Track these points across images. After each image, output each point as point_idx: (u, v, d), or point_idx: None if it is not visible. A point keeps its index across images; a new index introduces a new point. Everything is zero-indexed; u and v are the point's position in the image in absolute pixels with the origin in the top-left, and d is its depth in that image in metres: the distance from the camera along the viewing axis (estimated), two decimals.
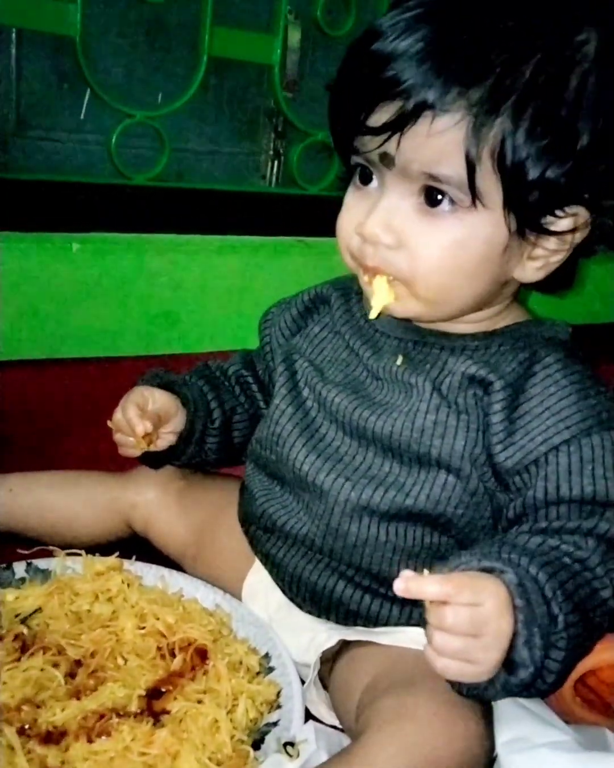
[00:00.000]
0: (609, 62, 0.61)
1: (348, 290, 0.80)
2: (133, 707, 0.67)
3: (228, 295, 1.14)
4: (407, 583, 0.53)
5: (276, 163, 1.24)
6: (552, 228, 0.63)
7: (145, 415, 0.77)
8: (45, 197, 1.05)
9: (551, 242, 0.65)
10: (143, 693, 0.68)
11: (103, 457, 0.90)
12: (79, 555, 0.80)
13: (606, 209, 0.65)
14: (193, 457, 0.85)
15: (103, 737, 0.64)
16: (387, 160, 0.62)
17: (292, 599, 0.76)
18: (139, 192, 1.11)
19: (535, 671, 0.56)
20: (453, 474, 0.68)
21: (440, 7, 0.60)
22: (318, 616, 0.74)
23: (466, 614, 0.53)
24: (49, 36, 1.04)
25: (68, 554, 0.80)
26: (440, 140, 0.59)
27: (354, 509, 0.70)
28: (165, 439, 0.81)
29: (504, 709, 0.66)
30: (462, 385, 0.68)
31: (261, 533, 0.78)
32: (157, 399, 0.80)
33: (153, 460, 0.85)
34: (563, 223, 0.63)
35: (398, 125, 0.60)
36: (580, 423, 0.65)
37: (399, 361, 0.71)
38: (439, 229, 0.63)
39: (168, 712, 0.67)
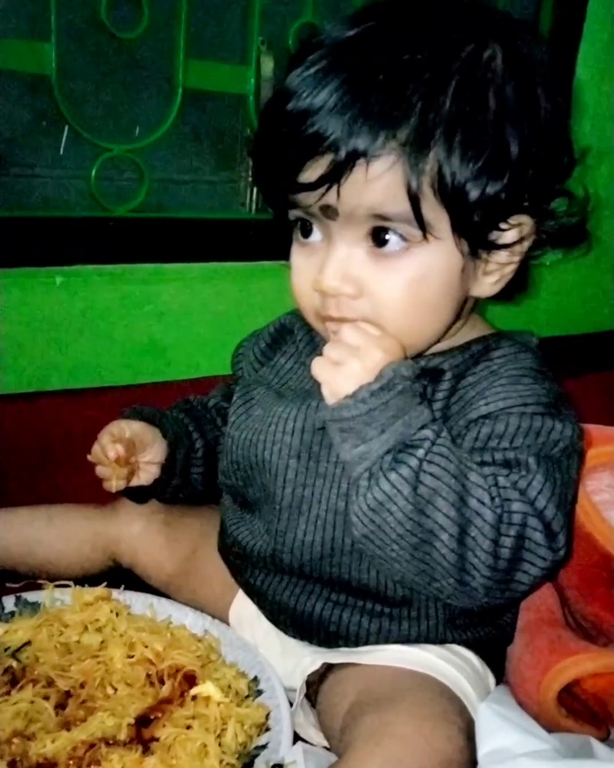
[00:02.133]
0: (518, 69, 0.62)
1: None
2: (123, 736, 0.68)
3: (212, 322, 1.16)
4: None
5: (254, 189, 1.26)
6: (501, 241, 0.64)
7: (119, 442, 0.78)
8: (27, 233, 1.06)
9: (502, 255, 0.66)
10: (132, 721, 0.69)
11: (91, 490, 0.91)
12: (68, 586, 0.81)
13: (547, 212, 0.66)
14: (179, 490, 0.86)
15: (93, 767, 0.65)
16: (329, 211, 0.63)
17: (275, 624, 0.77)
18: (120, 224, 1.12)
19: (384, 394, 0.60)
20: None
21: (344, 56, 0.61)
22: (302, 639, 0.76)
23: (359, 334, 0.62)
24: (25, 75, 1.06)
25: (57, 585, 0.81)
26: (379, 183, 0.60)
27: (317, 516, 0.71)
28: (148, 472, 0.82)
29: (486, 721, 0.67)
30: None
31: (239, 562, 0.79)
32: (133, 428, 0.81)
33: (139, 494, 0.86)
34: (510, 235, 0.65)
35: (334, 177, 0.60)
36: (502, 401, 0.66)
37: None
38: (396, 270, 0.63)
39: (157, 739, 0.68)
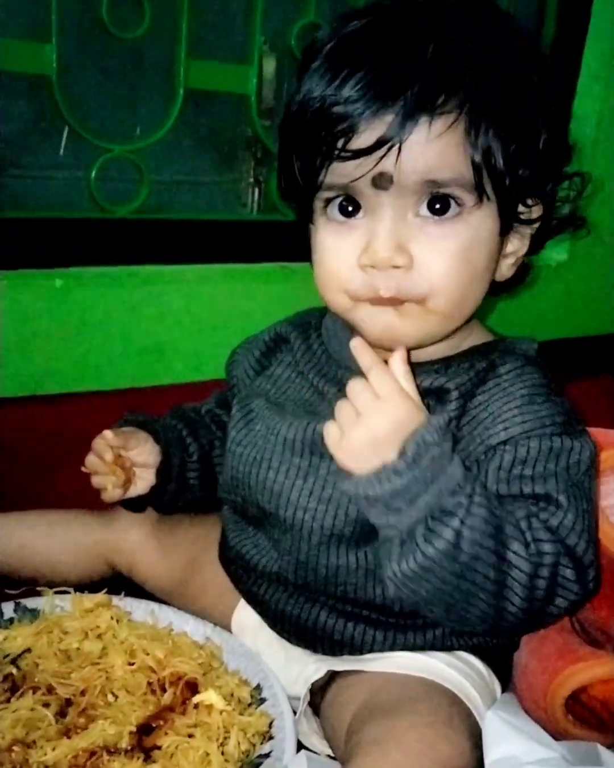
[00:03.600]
0: (538, 59, 0.65)
1: (307, 326, 0.80)
2: (124, 744, 0.67)
3: (213, 324, 1.15)
4: (359, 342, 0.62)
5: (256, 190, 1.25)
6: (525, 218, 0.67)
7: (113, 441, 0.78)
8: (26, 234, 1.05)
9: (515, 237, 0.68)
10: (134, 729, 0.68)
11: (91, 494, 0.90)
12: (68, 592, 0.80)
13: (555, 199, 0.69)
14: (177, 496, 0.85)
15: None
16: (382, 179, 0.61)
17: (279, 633, 0.77)
18: (121, 225, 1.12)
19: (409, 475, 0.58)
20: None
21: (385, 26, 0.62)
22: (306, 648, 0.75)
23: (364, 394, 0.59)
24: (25, 76, 1.05)
25: (57, 592, 0.80)
26: (439, 144, 0.60)
27: (320, 540, 0.70)
28: (144, 480, 0.81)
29: (493, 729, 0.66)
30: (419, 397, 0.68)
31: (241, 572, 0.78)
32: (125, 432, 0.81)
33: (137, 504, 0.85)
34: (534, 212, 0.67)
35: (396, 136, 0.58)
36: (519, 425, 0.65)
37: None
38: (447, 237, 0.63)
39: (159, 748, 0.67)
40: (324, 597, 0.72)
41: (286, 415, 0.74)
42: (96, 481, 0.80)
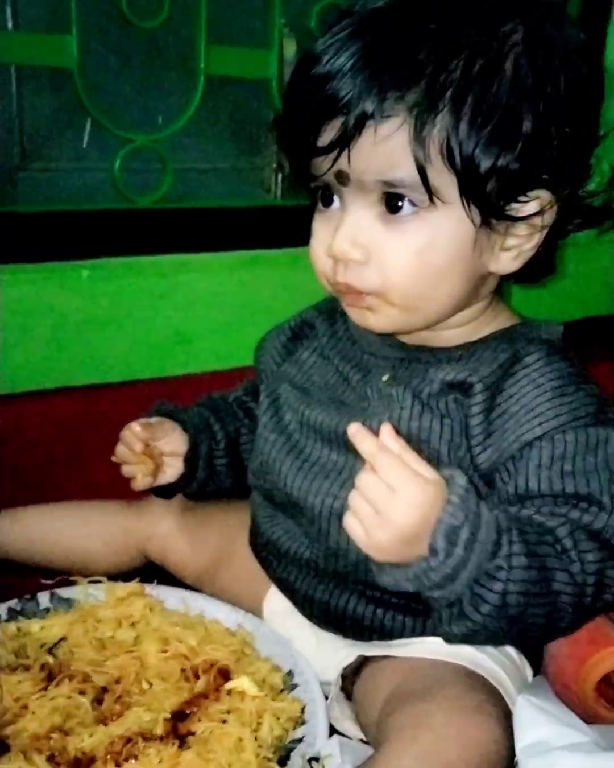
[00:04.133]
0: (539, 47, 0.61)
1: (333, 312, 0.80)
2: (159, 730, 0.68)
3: (240, 311, 1.15)
4: (356, 430, 0.59)
5: (279, 175, 1.24)
6: (518, 214, 0.64)
7: (141, 433, 0.80)
8: (52, 227, 1.06)
9: (521, 229, 0.65)
10: (168, 716, 0.69)
11: (123, 484, 0.91)
12: (101, 582, 0.82)
13: (569, 189, 0.65)
14: (205, 483, 0.86)
15: (131, 761, 0.66)
16: (342, 177, 0.63)
17: (309, 618, 0.77)
18: (145, 215, 1.12)
19: (448, 567, 0.57)
20: None
21: (368, 23, 0.61)
22: (337, 633, 0.75)
23: (377, 488, 0.57)
24: (46, 69, 1.06)
25: (90, 581, 0.82)
26: (386, 146, 0.60)
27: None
28: (173, 467, 0.83)
29: (524, 713, 0.66)
30: (442, 391, 0.69)
31: (272, 558, 0.79)
32: (152, 421, 0.83)
33: (166, 492, 0.86)
34: (528, 208, 0.64)
35: (345, 140, 0.61)
36: (554, 419, 0.65)
37: (385, 378, 0.72)
38: (404, 235, 0.63)
39: (193, 734, 0.68)
40: (354, 583, 0.73)
41: (312, 402, 0.75)
42: (126, 470, 0.81)
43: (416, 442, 0.68)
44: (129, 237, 1.10)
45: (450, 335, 0.71)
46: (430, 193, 0.61)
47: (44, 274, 1.04)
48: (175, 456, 0.83)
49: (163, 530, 0.88)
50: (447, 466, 0.67)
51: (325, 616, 0.75)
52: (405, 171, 0.61)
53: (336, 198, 0.66)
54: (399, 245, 0.63)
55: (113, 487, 0.95)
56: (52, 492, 0.94)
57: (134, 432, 0.80)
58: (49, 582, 0.84)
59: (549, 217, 0.65)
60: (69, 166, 1.13)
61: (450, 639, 0.63)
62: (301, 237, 1.17)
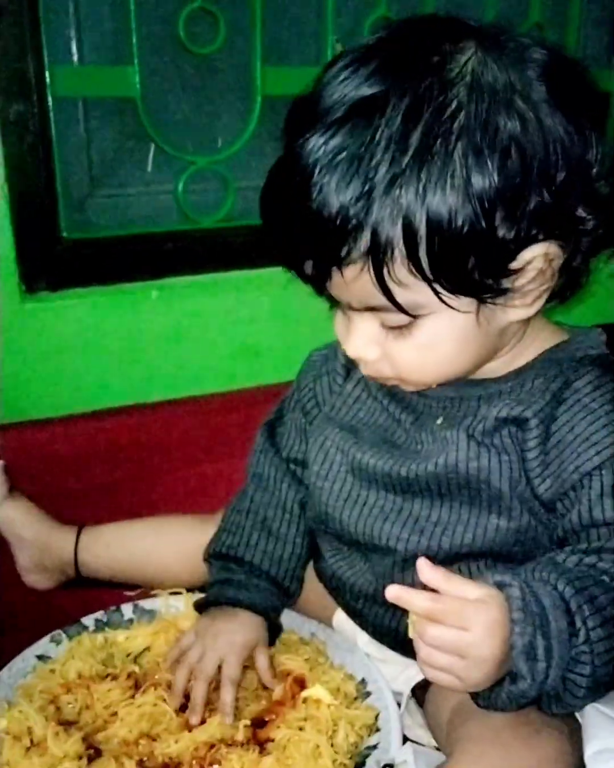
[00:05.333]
0: (492, 104, 0.57)
1: None
2: (240, 737, 0.72)
3: (303, 323, 1.18)
4: (398, 592, 0.56)
5: None
6: (519, 283, 0.61)
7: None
8: (121, 250, 1.11)
9: (526, 279, 0.62)
10: (248, 723, 0.73)
11: (197, 496, 0.95)
12: (181, 593, 0.86)
13: (572, 229, 0.62)
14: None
15: (215, 766, 0.69)
16: (333, 299, 0.65)
17: (379, 641, 0.79)
18: (209, 234, 1.16)
19: (535, 684, 0.57)
20: (503, 515, 0.68)
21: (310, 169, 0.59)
22: (406, 655, 0.76)
23: (449, 636, 0.55)
24: (111, 99, 1.10)
25: (171, 593, 0.86)
26: (356, 285, 0.60)
27: (412, 562, 0.70)
28: None
29: (592, 721, 0.67)
30: (497, 427, 0.68)
31: (338, 587, 0.80)
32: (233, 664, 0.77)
33: None
34: (528, 272, 0.61)
35: (320, 278, 0.62)
36: (610, 447, 0.65)
37: (439, 421, 0.72)
38: (407, 338, 0.64)
39: (272, 740, 0.72)
40: None
41: (363, 445, 0.75)
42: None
43: (475, 483, 0.69)
44: (194, 256, 1.14)
45: (495, 366, 0.70)
46: (411, 314, 0.61)
47: (115, 296, 1.09)
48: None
49: None
50: (512, 505, 0.68)
51: (394, 642, 0.77)
52: (381, 299, 0.61)
53: None
54: (405, 347, 0.64)
55: (187, 501, 0.99)
56: (130, 507, 0.98)
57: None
58: (131, 593, 0.88)
59: (557, 261, 0.62)
60: (135, 191, 1.17)
61: (553, 714, 0.63)
62: None
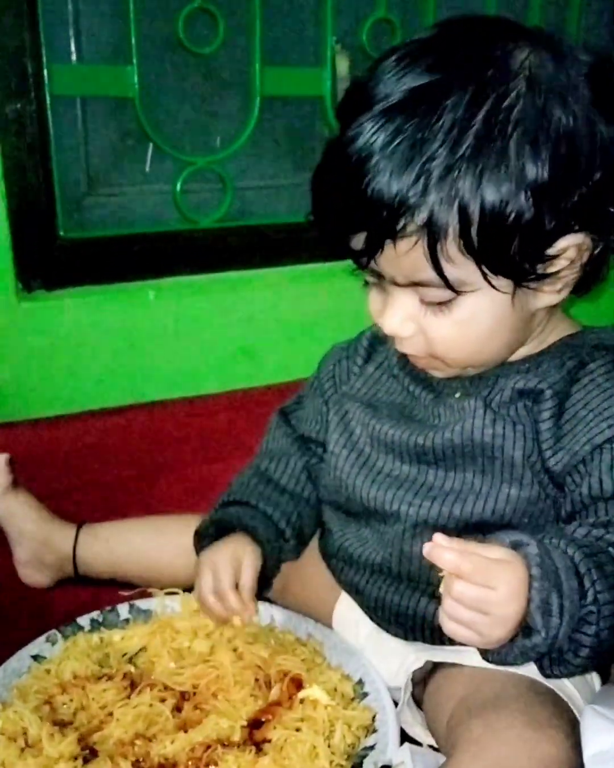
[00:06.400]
0: (543, 97, 0.60)
1: None
2: (237, 737, 0.71)
3: (301, 324, 1.18)
4: (431, 548, 0.57)
5: None
6: (553, 268, 0.65)
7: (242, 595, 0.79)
8: (118, 250, 1.10)
9: (559, 266, 0.65)
10: (245, 723, 0.72)
11: (194, 496, 0.95)
12: (177, 593, 0.85)
13: (607, 224, 0.65)
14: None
15: (211, 767, 0.69)
16: (377, 274, 0.66)
17: (379, 624, 0.79)
18: (206, 234, 1.16)
19: (548, 638, 0.57)
20: (514, 484, 0.70)
21: (369, 141, 0.61)
22: (406, 638, 0.77)
23: (475, 593, 0.56)
24: (109, 99, 1.10)
25: (167, 593, 0.85)
26: (407, 258, 0.62)
27: (423, 529, 0.73)
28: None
29: (591, 723, 0.67)
30: (513, 399, 0.71)
31: (342, 565, 0.81)
32: (248, 567, 0.80)
33: None
34: (561, 261, 0.64)
35: (370, 251, 0.63)
36: None
37: (457, 395, 0.74)
38: (445, 316, 0.66)
39: (269, 741, 0.71)
40: (425, 584, 0.74)
41: (382, 418, 0.78)
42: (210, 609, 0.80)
43: (490, 451, 0.71)
44: (192, 256, 1.14)
45: (517, 352, 0.73)
46: (455, 290, 0.64)
47: (112, 295, 1.08)
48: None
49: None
50: (523, 473, 0.70)
51: (396, 619, 0.77)
52: (429, 274, 0.63)
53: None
54: (443, 324, 0.67)
55: (184, 500, 0.99)
56: (126, 506, 0.98)
57: (231, 601, 0.78)
58: (127, 593, 0.87)
59: (587, 252, 0.66)
60: (132, 190, 1.17)
61: (549, 676, 0.63)
62: None
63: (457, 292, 0.64)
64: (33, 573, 0.93)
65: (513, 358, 0.73)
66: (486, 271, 0.62)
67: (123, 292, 1.09)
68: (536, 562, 0.58)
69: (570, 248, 0.64)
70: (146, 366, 1.11)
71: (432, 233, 0.60)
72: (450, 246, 0.61)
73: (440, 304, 0.65)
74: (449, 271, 0.62)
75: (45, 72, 1.00)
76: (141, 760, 0.70)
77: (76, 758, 0.69)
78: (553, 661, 0.60)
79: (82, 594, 0.92)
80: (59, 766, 0.68)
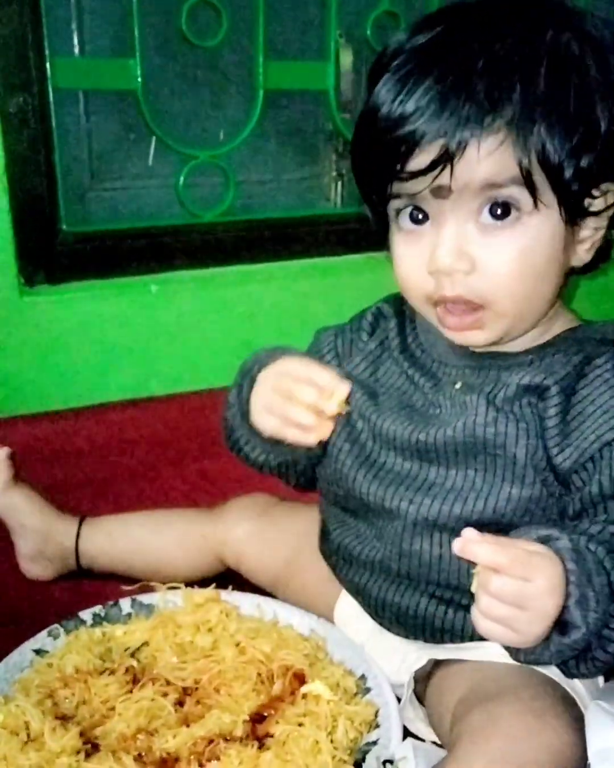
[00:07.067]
0: (593, 49, 0.64)
1: (403, 313, 0.81)
2: (239, 732, 0.71)
3: (305, 319, 1.17)
4: (464, 543, 0.56)
5: (339, 184, 1.26)
6: (593, 209, 0.67)
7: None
8: (121, 244, 1.10)
9: (591, 223, 0.68)
10: (247, 718, 0.72)
11: (197, 491, 0.94)
12: (179, 588, 0.85)
13: None
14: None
15: (213, 762, 0.69)
16: (442, 191, 0.64)
17: (380, 623, 0.79)
18: (209, 228, 1.15)
19: (588, 634, 0.57)
20: (516, 484, 0.69)
21: (434, 53, 0.64)
22: (407, 636, 0.77)
23: (513, 586, 0.56)
24: (111, 92, 1.10)
25: (169, 588, 0.85)
26: (490, 159, 0.62)
27: (422, 527, 0.72)
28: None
29: (596, 719, 0.66)
30: (517, 395, 0.70)
31: (342, 563, 0.81)
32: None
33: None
34: (599, 202, 0.67)
35: (448, 159, 0.62)
36: None
37: (457, 386, 0.73)
38: (505, 242, 0.65)
39: (271, 736, 0.71)
40: (425, 584, 0.74)
41: (383, 410, 0.76)
42: (293, 423, 0.72)
43: (492, 449, 0.70)
44: (195, 250, 1.14)
45: (521, 341, 0.72)
46: (535, 195, 0.63)
47: (115, 289, 1.08)
48: None
49: (238, 535, 0.91)
50: (525, 473, 0.69)
51: (397, 618, 0.77)
52: (510, 173, 0.63)
53: (429, 213, 0.67)
54: (503, 251, 0.65)
55: (187, 495, 0.99)
56: (129, 501, 0.97)
57: (325, 381, 0.70)
58: (129, 588, 0.87)
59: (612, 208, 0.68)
60: (135, 184, 1.16)
61: (573, 676, 0.64)
62: (362, 243, 1.20)
63: (533, 197, 0.63)
64: (35, 567, 0.93)
65: (517, 348, 0.72)
66: (556, 181, 0.63)
67: (125, 286, 1.09)
68: (571, 557, 0.57)
69: (610, 193, 0.66)
70: (149, 360, 1.10)
71: (521, 128, 0.61)
72: (532, 150, 0.61)
73: (499, 229, 0.64)
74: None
75: (47, 65, 0.99)
76: (143, 754, 0.70)
77: (78, 752, 0.69)
78: (580, 660, 0.60)
79: (85, 588, 0.92)
80: (61, 761, 0.67)
